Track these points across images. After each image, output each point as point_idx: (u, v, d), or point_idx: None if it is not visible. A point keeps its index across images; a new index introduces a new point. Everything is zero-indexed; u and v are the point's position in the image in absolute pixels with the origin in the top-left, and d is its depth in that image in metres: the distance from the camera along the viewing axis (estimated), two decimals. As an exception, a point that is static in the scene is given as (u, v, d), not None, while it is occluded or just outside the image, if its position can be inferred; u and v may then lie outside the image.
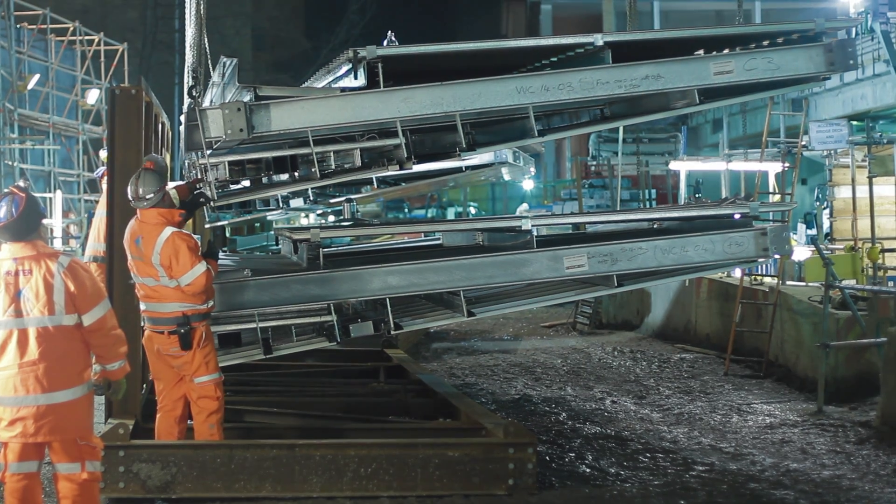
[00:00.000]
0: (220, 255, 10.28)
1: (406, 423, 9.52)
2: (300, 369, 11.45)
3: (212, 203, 8.60)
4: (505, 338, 17.99)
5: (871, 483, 8.51)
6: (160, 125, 10.49)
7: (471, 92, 8.07)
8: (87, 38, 28.11)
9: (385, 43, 8.73)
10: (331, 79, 8.72)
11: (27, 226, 6.24)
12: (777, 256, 10.42)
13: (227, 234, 18.88)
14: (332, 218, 20.85)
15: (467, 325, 17.90)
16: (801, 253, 15.87)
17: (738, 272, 14.51)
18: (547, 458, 9.12)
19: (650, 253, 8.62)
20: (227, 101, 8.44)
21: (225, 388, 8.19)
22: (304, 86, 10.03)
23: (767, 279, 15.06)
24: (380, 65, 7.94)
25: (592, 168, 30.01)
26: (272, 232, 21.47)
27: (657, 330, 17.55)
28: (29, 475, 6.23)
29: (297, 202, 11.88)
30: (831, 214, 20.93)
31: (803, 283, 14.55)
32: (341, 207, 13.61)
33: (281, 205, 11.88)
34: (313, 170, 8.07)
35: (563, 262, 8.51)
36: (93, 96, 28.21)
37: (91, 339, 6.28)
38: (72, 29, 27.49)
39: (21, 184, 11.53)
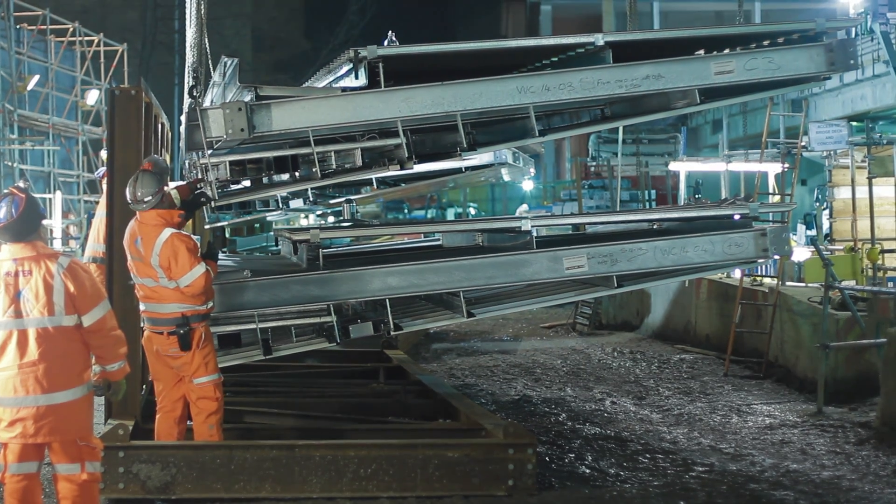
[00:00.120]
0: (220, 255, 10.27)
1: (406, 423, 9.53)
2: (300, 370, 11.45)
3: (213, 203, 8.60)
4: (505, 338, 17.98)
5: (871, 484, 8.51)
6: (160, 126, 10.48)
7: (471, 92, 8.07)
8: (86, 38, 28.11)
9: (386, 43, 8.74)
10: (331, 79, 8.72)
11: (27, 226, 6.23)
12: (777, 257, 10.41)
13: (227, 235, 18.84)
14: (331, 219, 20.82)
15: (467, 326, 17.89)
16: (801, 254, 15.87)
17: (737, 273, 14.50)
18: (547, 458, 9.12)
19: (650, 254, 8.62)
20: (228, 100, 8.44)
21: (224, 389, 8.19)
22: (304, 86, 10.02)
23: (767, 280, 15.05)
24: (380, 65, 7.94)
25: (592, 169, 29.98)
26: (272, 233, 21.44)
27: (657, 331, 17.54)
28: (29, 476, 6.22)
29: (296, 203, 11.88)
30: (831, 215, 20.94)
31: (803, 284, 14.53)
32: (341, 208, 13.62)
33: (281, 205, 11.88)
34: (314, 170, 8.07)
35: (563, 262, 8.51)
36: (92, 97, 28.21)
37: (91, 340, 6.27)
38: (71, 30, 27.49)
39: (21, 184, 11.51)
